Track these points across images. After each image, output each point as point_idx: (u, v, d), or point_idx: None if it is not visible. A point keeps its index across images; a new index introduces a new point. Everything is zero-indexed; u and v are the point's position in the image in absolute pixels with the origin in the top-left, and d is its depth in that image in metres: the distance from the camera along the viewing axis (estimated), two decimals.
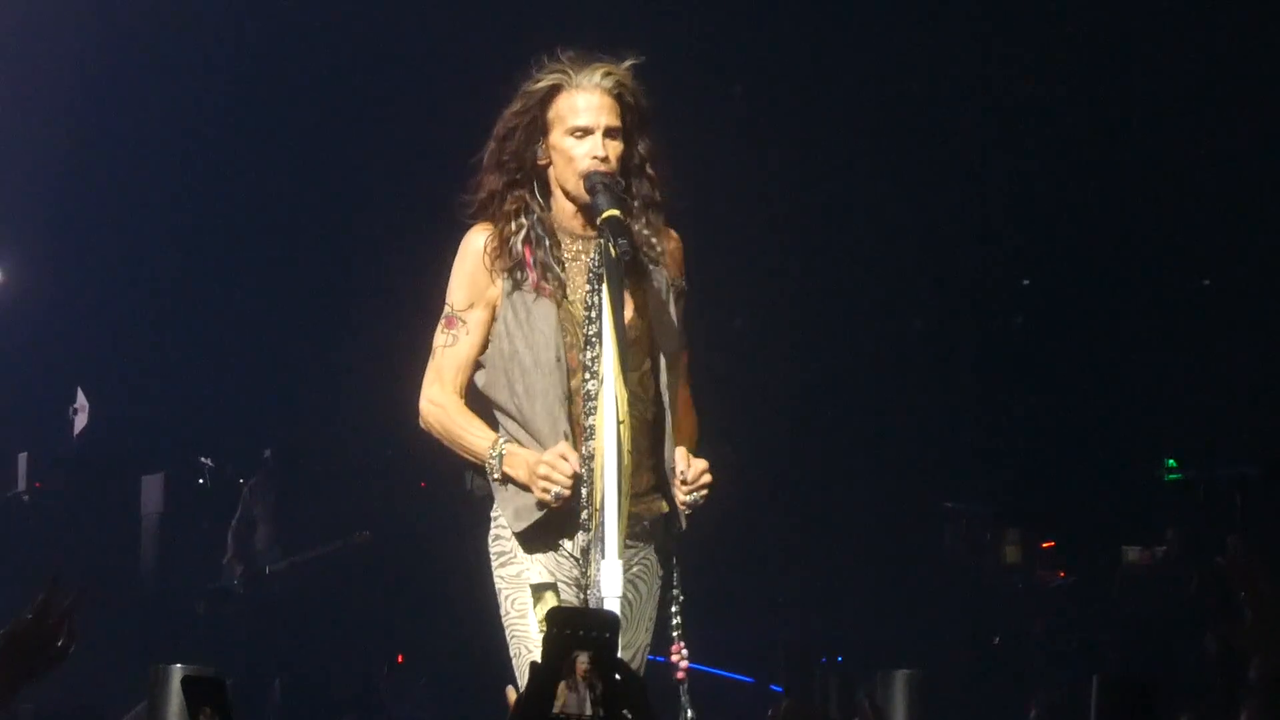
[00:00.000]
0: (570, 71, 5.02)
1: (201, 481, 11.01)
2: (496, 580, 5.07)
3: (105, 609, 9.95)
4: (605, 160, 4.97)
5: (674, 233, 5.18)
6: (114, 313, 11.61)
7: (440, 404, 5.09)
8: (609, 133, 4.99)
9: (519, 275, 5.03)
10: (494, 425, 5.09)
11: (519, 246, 5.02)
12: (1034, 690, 9.65)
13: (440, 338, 5.12)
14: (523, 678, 4.94)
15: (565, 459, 4.90)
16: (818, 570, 10.77)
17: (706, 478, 5.05)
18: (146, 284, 11.66)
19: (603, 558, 4.67)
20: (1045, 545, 10.45)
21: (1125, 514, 10.47)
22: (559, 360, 4.96)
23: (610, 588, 4.64)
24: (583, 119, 4.99)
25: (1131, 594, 9.85)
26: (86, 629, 3.77)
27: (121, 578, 10.68)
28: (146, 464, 11.14)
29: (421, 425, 5.15)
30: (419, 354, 5.22)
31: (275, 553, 10.40)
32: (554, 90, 5.02)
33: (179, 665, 5.42)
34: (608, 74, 5.02)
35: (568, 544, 4.98)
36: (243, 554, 10.42)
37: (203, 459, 11.00)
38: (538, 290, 5.01)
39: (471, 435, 5.05)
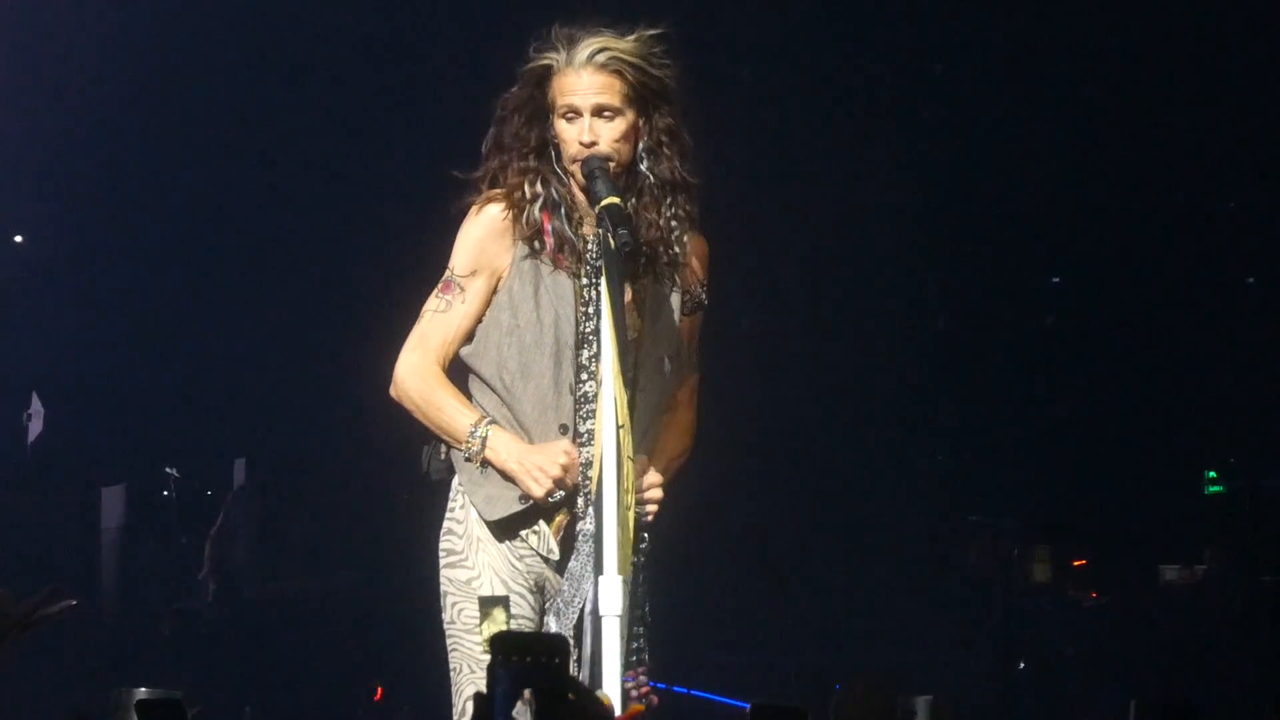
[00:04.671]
0: (562, 50, 5.01)
1: (166, 493, 11.01)
2: (442, 581, 5.03)
3: (62, 630, 9.93)
4: (594, 144, 4.95)
5: (700, 237, 5.13)
6: (72, 311, 11.60)
7: (420, 373, 5.01)
8: (600, 113, 4.97)
9: (536, 244, 4.99)
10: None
11: (536, 213, 4.99)
12: (1065, 718, 9.65)
13: (432, 302, 5.05)
14: (458, 695, 4.96)
15: (569, 456, 4.89)
16: (832, 589, 10.77)
17: (656, 492, 4.99)
18: (106, 281, 11.65)
19: (601, 573, 4.66)
20: (1077, 563, 10.45)
21: (1163, 530, 10.47)
22: (570, 345, 4.93)
23: (610, 605, 4.63)
24: (570, 100, 4.98)
25: (1170, 615, 9.85)
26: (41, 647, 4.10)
27: (80, 596, 10.65)
28: (107, 474, 11.13)
29: (393, 394, 5.07)
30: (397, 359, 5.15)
31: (254, 570, 10.41)
32: (548, 70, 5.02)
33: (141, 689, 5.43)
34: (600, 49, 4.99)
35: (534, 540, 4.96)
36: (220, 568, 10.43)
37: (168, 469, 11.00)
38: (554, 262, 4.98)
39: (451, 409, 4.98)
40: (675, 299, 5.09)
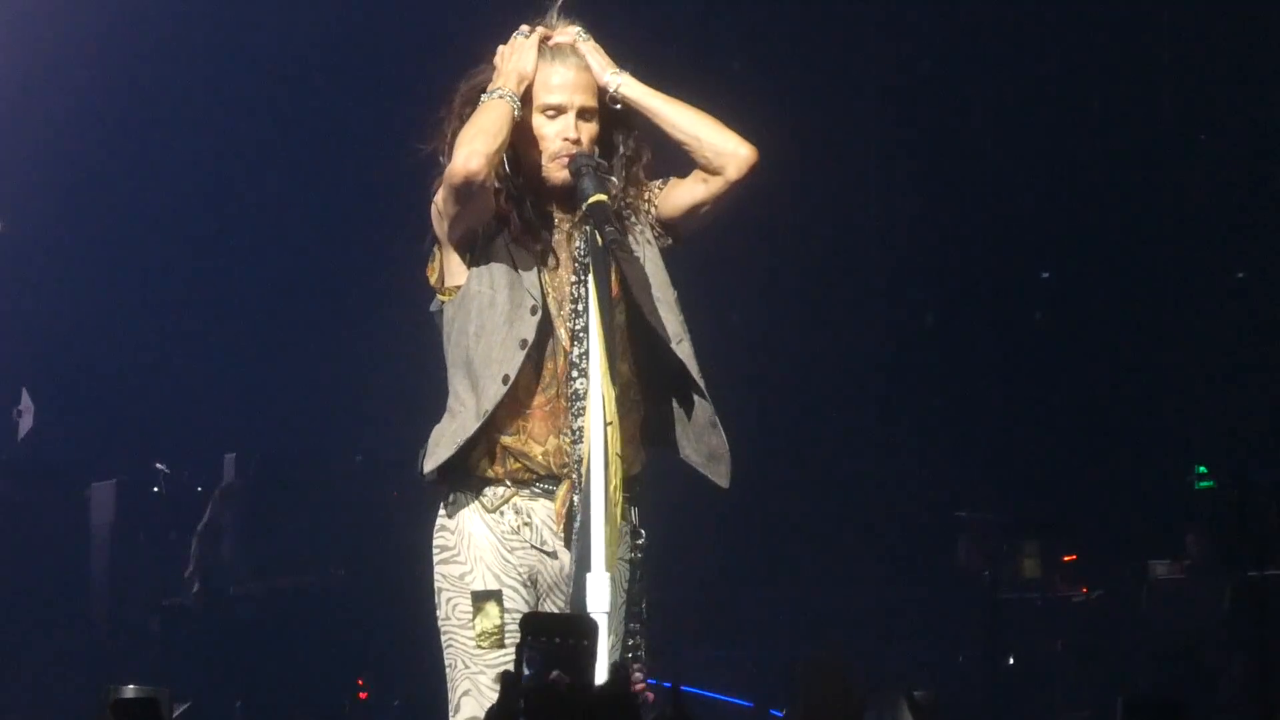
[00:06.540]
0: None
1: (156, 489, 10.98)
2: (436, 577, 5.03)
3: (52, 627, 9.93)
4: (577, 143, 4.96)
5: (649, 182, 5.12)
6: (61, 307, 11.59)
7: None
8: (584, 114, 4.99)
9: (499, 226, 4.96)
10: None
11: (501, 202, 4.97)
12: (1054, 714, 9.65)
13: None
14: (454, 689, 4.96)
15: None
16: (821, 584, 10.77)
17: None
18: (95, 277, 11.64)
19: (589, 570, 4.66)
20: (1066, 558, 10.45)
21: (1152, 524, 10.48)
22: (527, 308, 4.88)
23: (598, 602, 4.63)
24: (555, 97, 4.99)
25: (1159, 610, 9.86)
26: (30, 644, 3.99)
27: (70, 593, 10.65)
28: (97, 470, 11.11)
29: (460, 170, 4.84)
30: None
31: (241, 567, 10.39)
32: None
33: (131, 687, 5.42)
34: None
35: (526, 532, 4.95)
36: (205, 565, 10.42)
37: (158, 465, 10.98)
38: (518, 241, 4.95)
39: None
40: (645, 255, 5.04)
